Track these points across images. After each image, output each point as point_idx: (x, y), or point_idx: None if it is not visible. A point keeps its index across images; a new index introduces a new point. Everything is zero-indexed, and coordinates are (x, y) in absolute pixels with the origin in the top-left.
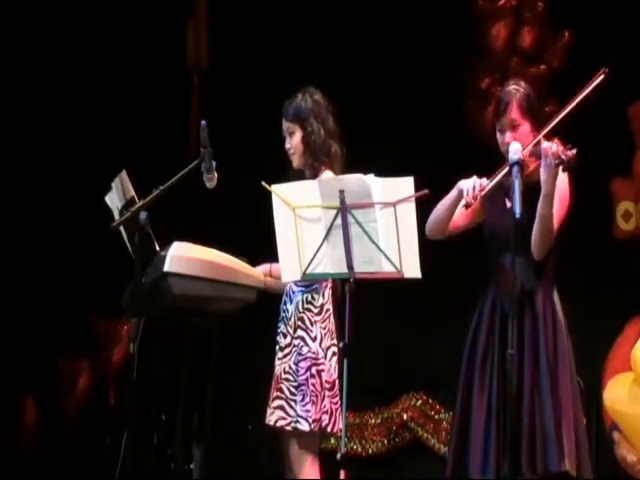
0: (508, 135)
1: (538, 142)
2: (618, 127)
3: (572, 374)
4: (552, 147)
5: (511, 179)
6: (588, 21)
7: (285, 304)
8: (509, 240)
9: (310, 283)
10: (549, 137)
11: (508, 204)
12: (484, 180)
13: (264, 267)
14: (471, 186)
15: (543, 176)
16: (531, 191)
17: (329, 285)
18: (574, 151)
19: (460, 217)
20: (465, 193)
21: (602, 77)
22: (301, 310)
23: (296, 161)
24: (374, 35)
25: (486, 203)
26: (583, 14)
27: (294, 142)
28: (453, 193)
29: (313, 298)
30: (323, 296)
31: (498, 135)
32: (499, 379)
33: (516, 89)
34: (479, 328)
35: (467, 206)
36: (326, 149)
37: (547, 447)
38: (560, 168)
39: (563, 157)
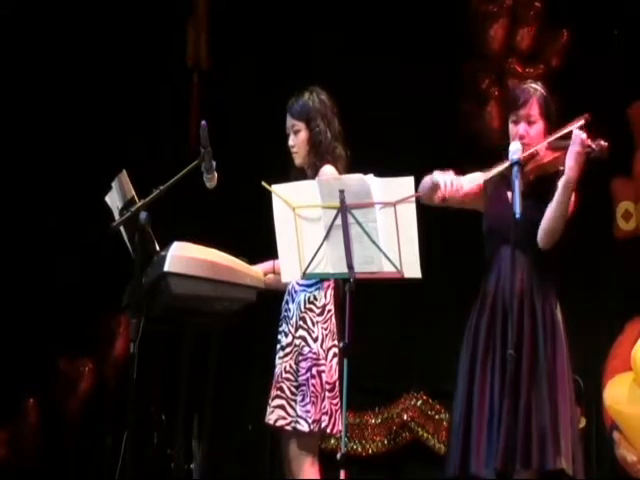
0: (522, 126)
1: (532, 155)
2: (618, 127)
3: (569, 373)
4: (583, 135)
5: (511, 179)
6: (587, 20)
7: (287, 303)
8: (509, 234)
9: (312, 283)
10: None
11: (510, 196)
12: (462, 180)
13: (268, 264)
14: (449, 182)
15: (570, 162)
16: (542, 183)
17: (331, 285)
18: (606, 143)
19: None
20: (443, 187)
21: (582, 122)
22: (303, 310)
23: (298, 159)
24: (373, 35)
25: (487, 193)
26: (582, 13)
27: (299, 140)
28: (426, 185)
29: (315, 298)
30: (325, 296)
31: (511, 126)
32: (501, 377)
33: (535, 88)
34: (480, 322)
35: (442, 199)
36: (331, 150)
37: (544, 445)
38: (588, 157)
39: (594, 146)
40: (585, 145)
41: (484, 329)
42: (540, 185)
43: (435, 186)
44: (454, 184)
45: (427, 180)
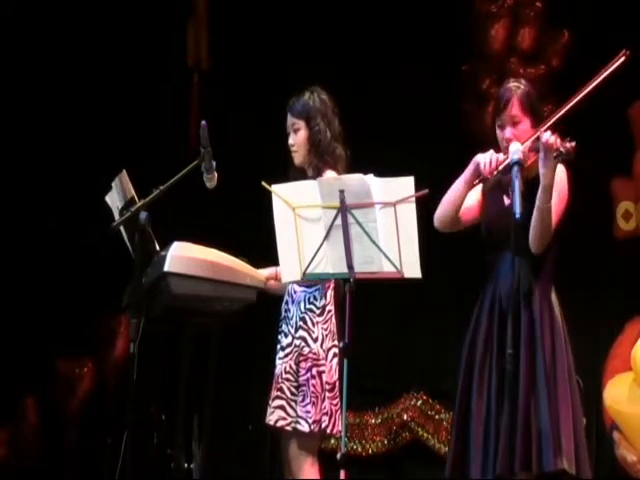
0: (508, 130)
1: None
2: (618, 127)
3: (570, 373)
4: (551, 139)
5: (510, 178)
6: (587, 20)
7: (287, 304)
8: (507, 238)
9: (312, 283)
10: (551, 131)
11: (506, 201)
12: (500, 155)
13: (270, 270)
14: (488, 160)
15: (542, 169)
16: (530, 186)
17: (332, 286)
18: (573, 143)
19: (471, 209)
20: (482, 166)
21: (623, 59)
22: (303, 310)
23: (298, 158)
24: (374, 36)
25: (485, 198)
26: (582, 13)
27: (299, 139)
28: (470, 168)
29: (315, 299)
30: (325, 297)
31: (498, 131)
32: (498, 379)
33: (516, 86)
34: (478, 327)
35: (482, 180)
36: (331, 150)
37: (543, 446)
38: (557, 160)
39: (562, 149)
40: (553, 149)
41: (483, 333)
42: (529, 188)
43: (477, 167)
44: (492, 161)
45: (468, 168)
